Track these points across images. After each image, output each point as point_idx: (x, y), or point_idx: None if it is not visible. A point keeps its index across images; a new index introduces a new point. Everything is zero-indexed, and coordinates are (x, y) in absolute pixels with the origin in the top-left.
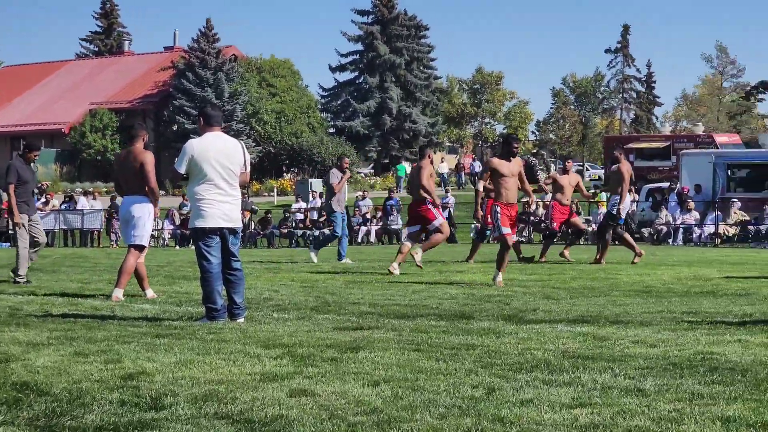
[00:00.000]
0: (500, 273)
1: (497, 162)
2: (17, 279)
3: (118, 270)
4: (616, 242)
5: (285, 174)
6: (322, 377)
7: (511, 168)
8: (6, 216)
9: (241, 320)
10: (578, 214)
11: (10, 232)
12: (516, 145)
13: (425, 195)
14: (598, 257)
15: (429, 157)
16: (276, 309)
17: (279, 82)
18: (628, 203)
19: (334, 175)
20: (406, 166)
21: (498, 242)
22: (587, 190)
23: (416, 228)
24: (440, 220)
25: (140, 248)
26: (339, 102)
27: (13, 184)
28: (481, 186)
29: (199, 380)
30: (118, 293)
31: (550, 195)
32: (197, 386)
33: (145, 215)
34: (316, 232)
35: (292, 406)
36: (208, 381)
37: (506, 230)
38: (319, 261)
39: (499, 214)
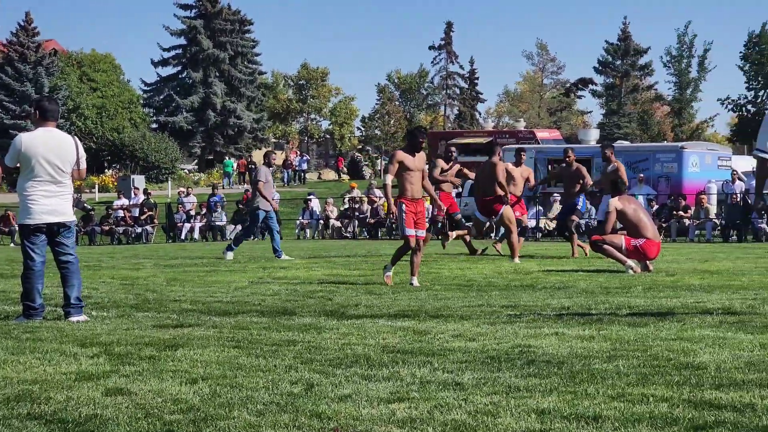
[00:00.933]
0: (414, 277)
1: (402, 155)
2: None
3: None
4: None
5: (106, 170)
6: (139, 376)
7: (416, 162)
8: None
9: (74, 319)
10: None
11: None
12: (422, 139)
13: (500, 190)
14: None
15: (498, 154)
16: (95, 307)
17: (100, 76)
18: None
19: (262, 173)
20: (234, 163)
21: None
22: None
23: (486, 219)
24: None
25: None
26: (162, 97)
27: None
28: (389, 180)
29: (13, 380)
30: None
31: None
32: (10, 386)
33: None
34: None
35: (107, 406)
36: (21, 381)
37: (410, 231)
38: (141, 259)
39: (404, 213)
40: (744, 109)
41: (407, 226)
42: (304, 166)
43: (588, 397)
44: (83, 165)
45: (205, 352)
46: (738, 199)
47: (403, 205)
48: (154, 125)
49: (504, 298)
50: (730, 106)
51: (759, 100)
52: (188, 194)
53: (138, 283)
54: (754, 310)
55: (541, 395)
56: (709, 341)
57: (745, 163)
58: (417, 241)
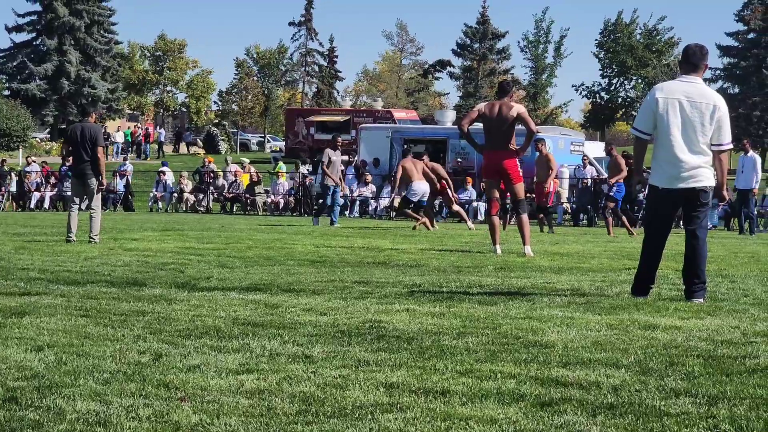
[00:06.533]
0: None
1: None
2: None
3: None
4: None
5: None
6: None
7: None
8: None
9: None
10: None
11: None
12: None
13: None
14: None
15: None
16: None
17: None
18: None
19: (326, 155)
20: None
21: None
22: None
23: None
24: None
25: None
26: (15, 64)
27: None
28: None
29: None
30: None
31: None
32: None
33: None
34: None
35: None
36: None
37: None
38: None
39: None
40: (598, 96)
41: None
42: (161, 139)
43: (437, 372)
44: None
45: (52, 320)
46: (588, 184)
47: None
48: (6, 92)
49: (356, 274)
50: (584, 93)
51: (612, 87)
52: (29, 164)
53: None
54: (602, 292)
55: (390, 369)
56: (558, 321)
57: (597, 149)
58: None
